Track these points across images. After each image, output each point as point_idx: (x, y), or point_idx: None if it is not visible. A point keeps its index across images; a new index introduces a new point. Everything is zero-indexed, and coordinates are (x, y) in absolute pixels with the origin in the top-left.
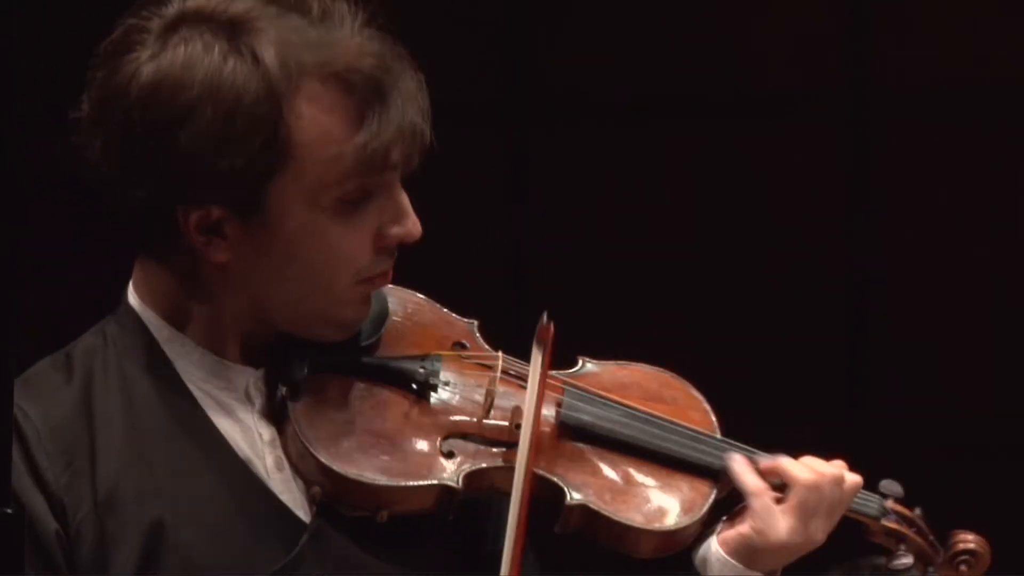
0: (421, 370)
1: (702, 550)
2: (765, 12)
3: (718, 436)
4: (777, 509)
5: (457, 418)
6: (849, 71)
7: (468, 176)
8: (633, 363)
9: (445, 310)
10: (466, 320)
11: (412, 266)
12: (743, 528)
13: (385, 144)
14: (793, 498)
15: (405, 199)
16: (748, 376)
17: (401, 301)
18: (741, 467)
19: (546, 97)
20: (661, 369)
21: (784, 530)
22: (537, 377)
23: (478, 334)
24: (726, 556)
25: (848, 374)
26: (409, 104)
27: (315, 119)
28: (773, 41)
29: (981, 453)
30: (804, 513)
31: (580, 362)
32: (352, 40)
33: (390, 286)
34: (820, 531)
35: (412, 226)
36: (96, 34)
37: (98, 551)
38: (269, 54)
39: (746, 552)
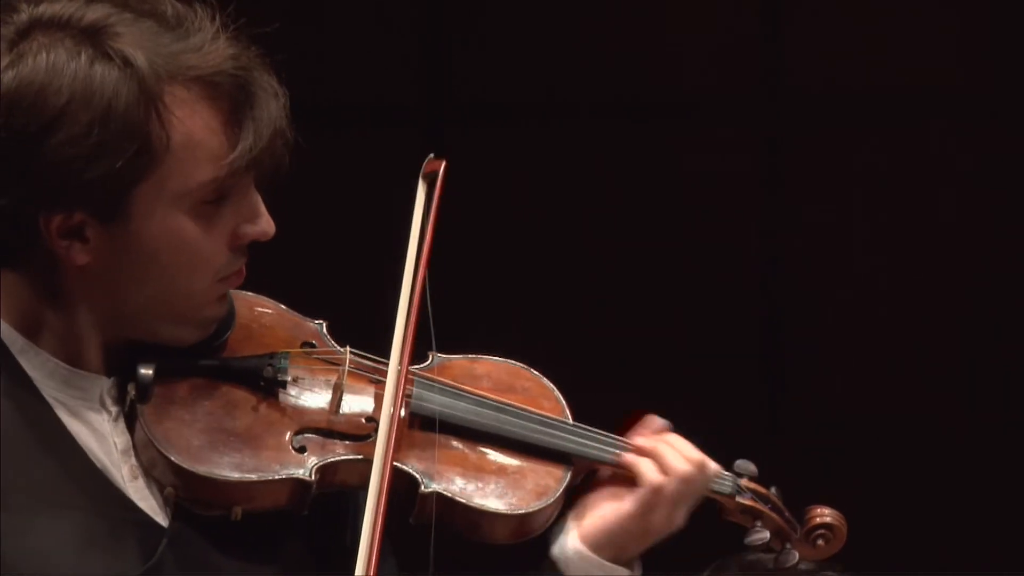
0: (269, 367)
1: (559, 546)
2: (680, 17)
3: (570, 422)
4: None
5: (307, 413)
6: (761, 74)
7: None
8: (484, 356)
9: (292, 312)
10: (314, 321)
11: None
12: (623, 519)
13: (257, 147)
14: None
15: (259, 198)
16: (663, 370)
17: (247, 304)
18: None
19: (463, 99)
20: (512, 361)
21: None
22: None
23: (326, 334)
24: (588, 552)
25: (762, 368)
26: (274, 107)
27: (183, 123)
28: (688, 45)
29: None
30: (677, 503)
31: (430, 356)
32: (212, 44)
33: (235, 291)
34: (682, 517)
35: (267, 224)
36: None
37: None
38: (139, 58)
39: (613, 543)
